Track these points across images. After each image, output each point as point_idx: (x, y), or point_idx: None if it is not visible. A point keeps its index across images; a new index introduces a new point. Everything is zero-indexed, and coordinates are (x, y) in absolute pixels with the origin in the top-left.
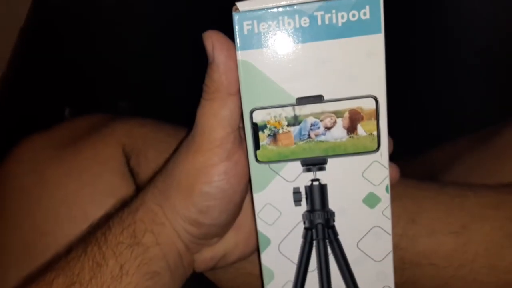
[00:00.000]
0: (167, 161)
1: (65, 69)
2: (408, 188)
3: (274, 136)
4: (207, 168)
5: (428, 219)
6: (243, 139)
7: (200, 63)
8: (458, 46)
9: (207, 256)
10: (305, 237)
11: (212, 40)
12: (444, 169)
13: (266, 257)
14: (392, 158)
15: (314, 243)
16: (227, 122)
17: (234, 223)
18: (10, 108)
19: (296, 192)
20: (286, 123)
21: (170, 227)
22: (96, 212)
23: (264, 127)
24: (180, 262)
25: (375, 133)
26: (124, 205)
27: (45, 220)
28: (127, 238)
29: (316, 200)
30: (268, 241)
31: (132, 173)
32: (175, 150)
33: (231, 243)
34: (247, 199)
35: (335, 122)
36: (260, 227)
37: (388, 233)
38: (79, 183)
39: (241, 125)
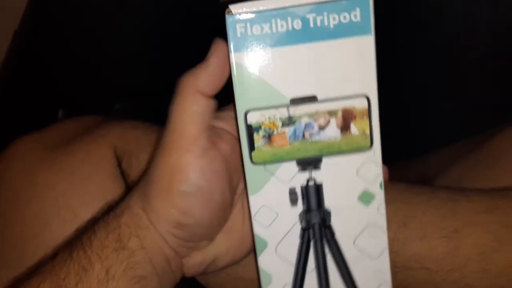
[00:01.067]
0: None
1: (59, 71)
2: (401, 192)
3: (268, 137)
4: (182, 166)
5: (420, 223)
6: (219, 136)
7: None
8: (453, 51)
9: (196, 260)
10: (302, 237)
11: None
12: (439, 173)
13: (264, 260)
14: (386, 162)
15: (312, 243)
16: (199, 117)
17: (226, 227)
18: (3, 109)
19: (292, 192)
20: (280, 124)
21: (154, 231)
22: (86, 214)
23: (258, 128)
24: (168, 267)
25: (367, 131)
26: (110, 209)
27: (35, 222)
28: (113, 242)
29: (312, 200)
30: (265, 244)
31: (123, 175)
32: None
33: (222, 248)
34: (240, 202)
35: (328, 121)
36: (257, 229)
37: (383, 230)
38: (70, 185)
39: (233, 126)
